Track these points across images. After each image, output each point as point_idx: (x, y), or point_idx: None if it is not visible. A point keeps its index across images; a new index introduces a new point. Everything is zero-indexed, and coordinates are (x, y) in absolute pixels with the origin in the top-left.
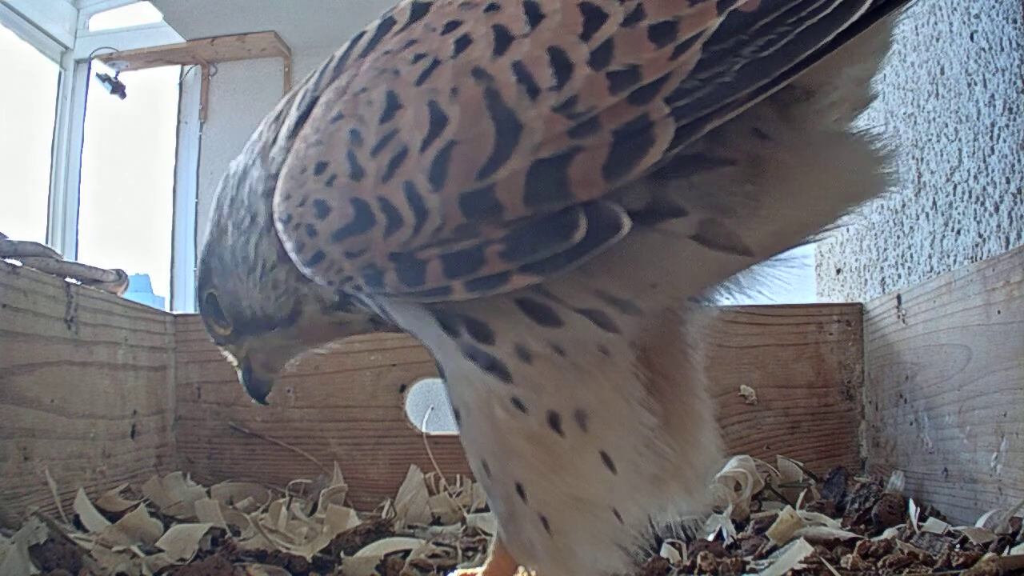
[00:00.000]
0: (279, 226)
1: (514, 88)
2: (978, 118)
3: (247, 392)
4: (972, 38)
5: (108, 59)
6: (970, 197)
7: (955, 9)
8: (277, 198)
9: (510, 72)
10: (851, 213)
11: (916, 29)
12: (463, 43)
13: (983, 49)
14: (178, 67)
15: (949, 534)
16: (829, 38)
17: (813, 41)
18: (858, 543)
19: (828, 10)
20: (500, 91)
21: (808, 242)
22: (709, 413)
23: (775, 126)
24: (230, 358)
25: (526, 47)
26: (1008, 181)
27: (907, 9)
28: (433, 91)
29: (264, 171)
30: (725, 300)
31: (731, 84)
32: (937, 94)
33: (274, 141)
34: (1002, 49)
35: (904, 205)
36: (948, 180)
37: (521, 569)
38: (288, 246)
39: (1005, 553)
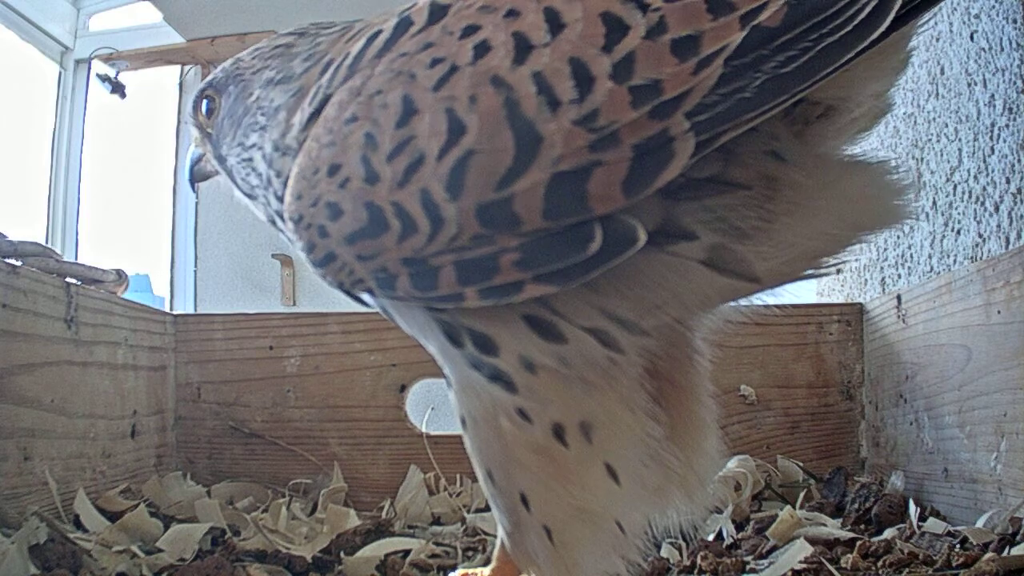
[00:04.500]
0: (290, 225)
1: (534, 99)
2: (978, 118)
3: None
4: (972, 38)
5: (108, 59)
6: (970, 197)
7: (955, 9)
8: (288, 197)
9: (530, 83)
10: (861, 242)
11: (917, 30)
12: (482, 50)
13: (983, 49)
14: (178, 67)
15: (949, 534)
16: (849, 55)
17: (833, 58)
18: (858, 543)
19: (849, 27)
20: (520, 102)
21: (814, 274)
22: (713, 419)
23: (792, 147)
24: None
25: (546, 57)
26: (1008, 181)
27: (924, 24)
28: (451, 98)
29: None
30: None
31: (751, 99)
32: (937, 94)
33: (287, 123)
34: (1002, 49)
35: None
36: (948, 180)
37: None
38: (299, 245)
39: (1005, 553)
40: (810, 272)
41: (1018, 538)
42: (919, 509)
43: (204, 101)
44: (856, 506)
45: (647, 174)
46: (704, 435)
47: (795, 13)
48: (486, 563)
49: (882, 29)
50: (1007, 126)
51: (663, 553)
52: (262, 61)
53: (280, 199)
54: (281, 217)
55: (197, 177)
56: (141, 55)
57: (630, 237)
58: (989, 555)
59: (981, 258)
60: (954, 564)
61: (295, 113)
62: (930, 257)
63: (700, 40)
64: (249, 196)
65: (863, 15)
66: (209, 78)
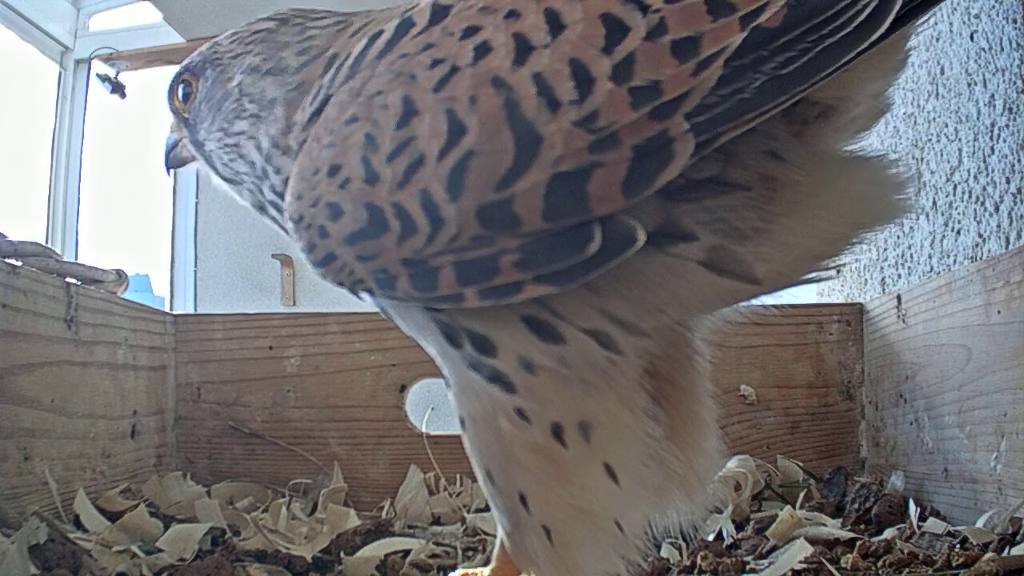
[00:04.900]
0: (290, 224)
1: (534, 100)
2: (978, 118)
3: None
4: (972, 38)
5: (108, 59)
6: (970, 197)
7: (955, 9)
8: (289, 197)
9: (530, 84)
10: (861, 240)
11: (916, 29)
12: (482, 50)
13: (983, 49)
14: (178, 67)
15: (949, 534)
16: (849, 56)
17: (833, 59)
18: (858, 543)
19: (849, 28)
20: (520, 103)
21: (815, 278)
22: (712, 418)
23: (791, 146)
24: None
25: (546, 58)
26: (1008, 181)
27: (924, 24)
28: (451, 99)
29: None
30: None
31: (751, 100)
32: (937, 94)
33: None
34: (1002, 49)
35: None
36: (948, 180)
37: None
38: (299, 245)
39: (1005, 553)
40: (811, 275)
41: (1018, 538)
42: (919, 509)
43: (181, 85)
44: (856, 506)
45: (647, 175)
46: (704, 435)
47: (795, 14)
48: (486, 563)
49: (882, 30)
50: (1007, 126)
51: (663, 553)
52: (242, 46)
53: (277, 193)
54: (276, 207)
55: (173, 163)
56: (141, 55)
57: (629, 238)
58: (989, 555)
59: (981, 258)
60: (954, 564)
61: (296, 111)
62: (930, 257)
63: (700, 41)
64: (231, 181)
65: (863, 16)
66: (185, 62)
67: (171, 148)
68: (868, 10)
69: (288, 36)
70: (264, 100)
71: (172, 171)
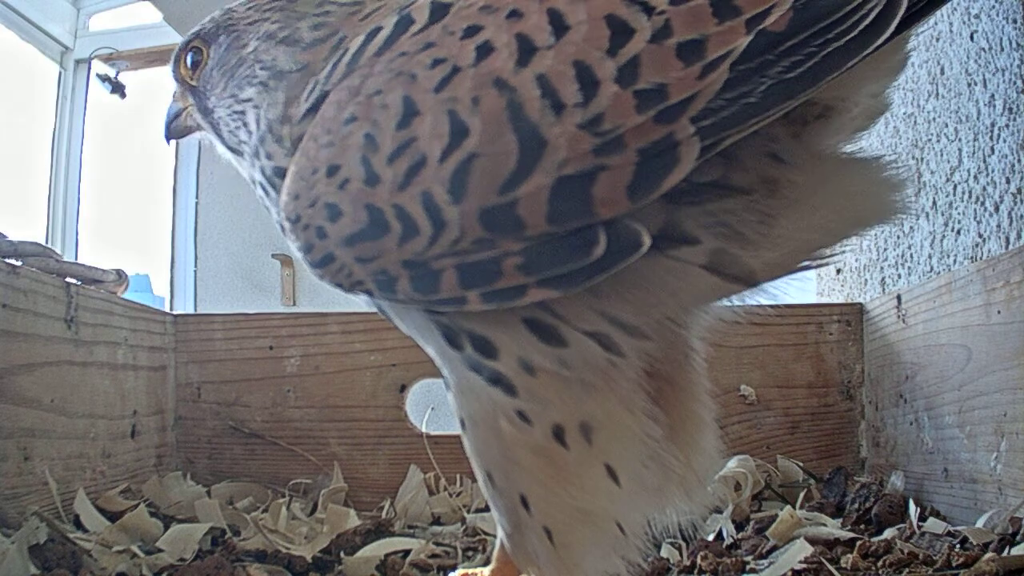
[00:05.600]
0: (286, 225)
1: (538, 103)
2: (978, 118)
3: None
4: (972, 38)
5: (108, 59)
6: (970, 197)
7: (955, 9)
8: (285, 197)
9: (534, 85)
10: (860, 236)
11: (917, 30)
12: (484, 51)
13: (983, 49)
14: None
15: (949, 534)
16: (854, 60)
17: (838, 63)
18: (858, 543)
19: (854, 33)
20: (523, 105)
21: (810, 266)
22: (711, 416)
23: (790, 147)
24: None
25: (550, 60)
26: (1008, 181)
27: (924, 24)
28: (453, 100)
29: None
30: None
31: (756, 104)
32: (937, 94)
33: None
34: (1002, 49)
35: None
36: (948, 180)
37: None
38: (296, 245)
39: (1005, 553)
40: (806, 264)
41: (1018, 538)
42: (919, 509)
43: (190, 53)
44: (856, 506)
45: (652, 179)
46: (703, 433)
47: (800, 18)
48: (486, 563)
49: (887, 34)
50: (1007, 126)
51: (663, 553)
52: (259, 12)
53: (266, 177)
54: (262, 187)
55: (175, 133)
56: (141, 55)
57: (634, 242)
58: (989, 555)
59: (981, 258)
60: (954, 564)
61: (294, 101)
62: (930, 257)
63: (706, 44)
64: (234, 151)
65: (868, 20)
66: (196, 29)
67: (174, 117)
68: (874, 14)
69: (306, 7)
70: (275, 69)
71: (172, 141)
